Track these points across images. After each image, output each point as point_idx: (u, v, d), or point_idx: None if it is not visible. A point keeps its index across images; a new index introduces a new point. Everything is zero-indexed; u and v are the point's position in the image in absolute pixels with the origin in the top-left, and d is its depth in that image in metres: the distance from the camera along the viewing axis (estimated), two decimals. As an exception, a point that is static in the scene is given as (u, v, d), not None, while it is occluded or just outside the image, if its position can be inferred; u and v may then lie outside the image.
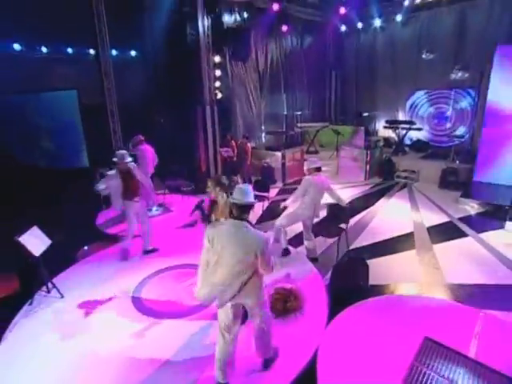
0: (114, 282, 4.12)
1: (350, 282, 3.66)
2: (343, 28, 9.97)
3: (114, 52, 8.15)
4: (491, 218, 5.78)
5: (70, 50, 8.48)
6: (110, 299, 3.76)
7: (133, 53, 9.32)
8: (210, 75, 8.31)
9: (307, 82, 10.74)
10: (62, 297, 3.82)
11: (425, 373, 2.57)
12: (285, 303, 3.31)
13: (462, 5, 7.86)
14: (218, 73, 8.51)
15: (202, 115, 8.17)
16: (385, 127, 9.75)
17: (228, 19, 8.44)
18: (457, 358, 2.70)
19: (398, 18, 8.90)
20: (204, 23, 7.92)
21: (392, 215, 6.18)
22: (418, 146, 9.49)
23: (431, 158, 8.62)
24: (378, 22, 9.36)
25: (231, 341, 2.44)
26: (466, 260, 4.53)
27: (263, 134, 9.85)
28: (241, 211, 2.29)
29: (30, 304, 3.71)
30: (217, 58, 8.41)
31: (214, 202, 3.41)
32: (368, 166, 8.37)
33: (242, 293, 2.30)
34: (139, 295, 3.82)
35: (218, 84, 8.57)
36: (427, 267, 4.37)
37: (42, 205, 6.10)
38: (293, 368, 2.68)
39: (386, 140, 9.86)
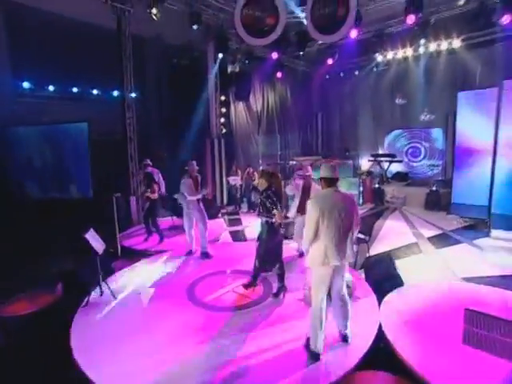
0: (162, 286, 4.25)
1: (385, 273, 4.12)
2: (327, 76, 11.45)
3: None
4: (475, 229, 6.66)
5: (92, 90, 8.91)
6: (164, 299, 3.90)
7: (146, 91, 9.92)
8: (217, 112, 9.12)
9: (297, 123, 11.90)
10: (115, 298, 3.88)
11: (478, 332, 3.02)
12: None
13: (426, 60, 9.53)
14: (223, 110, 9.34)
15: (211, 147, 8.77)
16: (369, 160, 10.88)
17: (231, 64, 9.48)
18: (498, 320, 3.17)
19: (374, 69, 10.49)
20: (213, 66, 8.89)
21: (394, 230, 6.86)
22: (398, 177, 10.62)
23: (413, 185, 9.70)
24: (357, 72, 10.91)
25: (325, 309, 2.79)
26: (468, 259, 5.20)
27: (261, 167, 10.55)
28: (329, 183, 2.83)
29: (86, 305, 3.74)
30: (222, 97, 9.29)
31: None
32: (361, 194, 9.25)
33: (347, 251, 2.75)
34: (194, 293, 4.00)
35: (222, 120, 9.35)
36: (439, 266, 4.96)
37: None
38: (365, 341, 2.98)
39: (370, 173, 10.95)
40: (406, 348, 2.83)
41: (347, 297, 2.99)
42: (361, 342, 2.96)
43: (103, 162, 7.98)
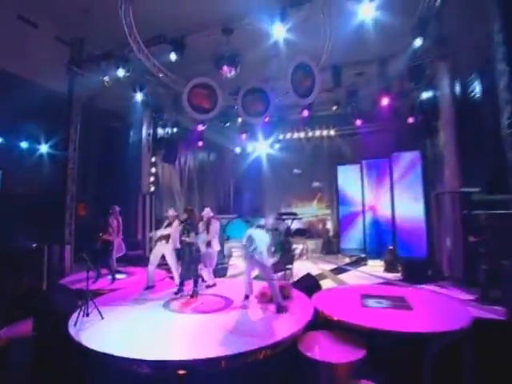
0: (139, 304, 5.18)
1: (310, 284, 6.12)
2: (238, 150, 14.32)
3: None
4: (358, 262, 9.52)
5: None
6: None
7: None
8: (148, 171, 10.48)
9: (213, 187, 14.06)
10: (103, 318, 4.62)
11: (367, 302, 5.18)
12: (283, 292, 5.42)
13: (314, 141, 13.35)
14: (152, 170, 10.76)
15: (142, 202, 9.89)
16: (277, 218, 13.49)
17: (161, 131, 11.27)
18: (382, 296, 5.44)
19: (276, 146, 13.86)
20: (146, 131, 10.51)
21: (304, 268, 9.08)
22: (299, 232, 13.47)
23: (311, 238, 12.59)
24: (262, 148, 14.11)
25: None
26: (357, 278, 7.73)
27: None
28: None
29: (75, 325, 4.38)
30: (153, 159, 10.78)
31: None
32: (273, 246, 11.52)
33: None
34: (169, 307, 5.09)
35: (152, 179, 10.70)
36: (339, 282, 7.28)
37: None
38: (307, 313, 4.77)
39: (275, 229, 13.53)
40: (334, 313, 4.72)
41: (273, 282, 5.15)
42: (305, 314, 4.71)
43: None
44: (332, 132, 12.76)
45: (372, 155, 11.14)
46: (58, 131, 8.72)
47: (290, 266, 7.54)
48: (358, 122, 10.99)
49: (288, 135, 13.22)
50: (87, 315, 4.63)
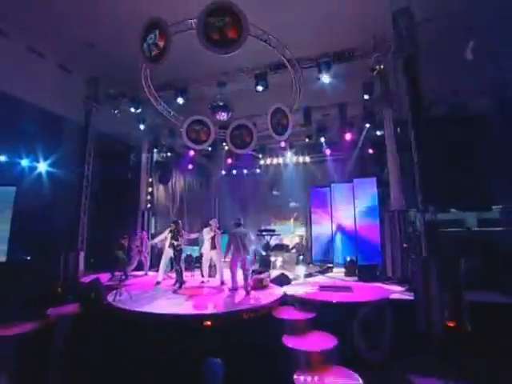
0: (154, 294, 7.19)
1: (283, 279, 8.30)
2: (224, 171, 16.60)
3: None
4: (325, 270, 11.78)
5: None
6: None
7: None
8: (145, 190, 12.53)
9: (199, 205, 16.16)
10: (131, 298, 6.60)
11: (324, 287, 7.41)
12: (262, 282, 7.59)
13: (291, 166, 15.83)
14: (149, 189, 12.81)
15: (142, 217, 11.87)
16: (257, 235, 15.67)
17: (156, 155, 13.41)
18: (337, 287, 7.69)
19: (258, 169, 16.26)
20: (145, 155, 12.64)
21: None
22: (277, 247, 15.66)
23: (287, 252, 14.81)
24: (246, 171, 16.45)
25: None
26: (322, 280, 9.96)
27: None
28: (237, 225, 7.42)
29: (113, 301, 6.36)
30: (150, 179, 12.86)
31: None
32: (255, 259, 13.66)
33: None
34: (177, 293, 7.15)
35: (149, 197, 12.73)
36: (309, 282, 9.49)
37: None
38: (279, 294, 6.94)
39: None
40: (298, 294, 6.91)
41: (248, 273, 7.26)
42: (276, 295, 6.88)
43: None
44: (307, 158, 15.31)
45: (339, 179, 13.69)
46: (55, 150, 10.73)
47: (268, 270, 9.69)
48: (328, 151, 13.60)
49: (268, 160, 15.67)
50: (120, 295, 6.61)
